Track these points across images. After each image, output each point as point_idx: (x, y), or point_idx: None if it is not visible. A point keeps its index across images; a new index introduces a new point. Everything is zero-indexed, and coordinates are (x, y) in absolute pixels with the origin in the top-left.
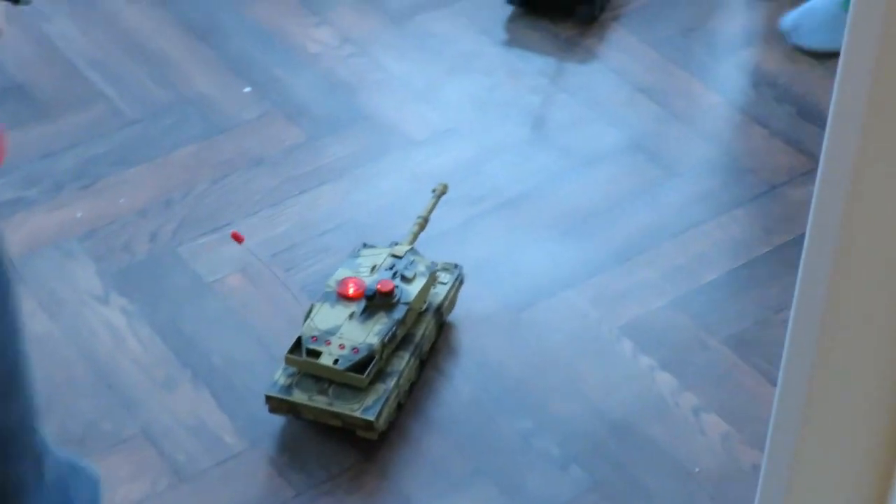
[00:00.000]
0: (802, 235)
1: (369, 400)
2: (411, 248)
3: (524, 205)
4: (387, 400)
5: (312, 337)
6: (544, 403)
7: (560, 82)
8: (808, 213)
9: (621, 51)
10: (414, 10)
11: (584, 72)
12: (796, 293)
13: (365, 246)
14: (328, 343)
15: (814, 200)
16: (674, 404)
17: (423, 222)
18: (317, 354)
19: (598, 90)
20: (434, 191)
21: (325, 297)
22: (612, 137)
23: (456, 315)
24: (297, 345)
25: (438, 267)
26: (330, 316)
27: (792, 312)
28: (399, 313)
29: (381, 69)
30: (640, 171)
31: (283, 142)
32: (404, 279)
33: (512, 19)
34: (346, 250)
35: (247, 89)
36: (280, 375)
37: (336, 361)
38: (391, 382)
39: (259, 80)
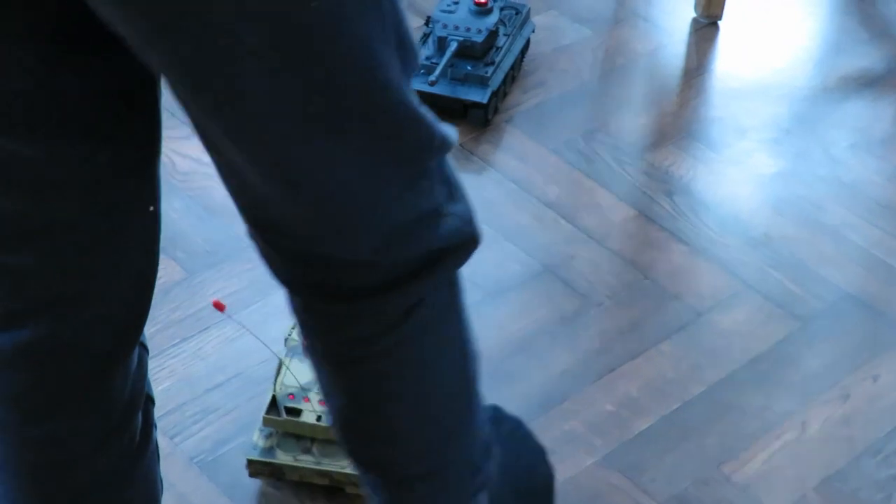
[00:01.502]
0: (736, 371)
1: None
2: None
3: None
4: None
5: (289, 395)
6: None
7: None
8: (738, 344)
9: (520, 158)
10: None
11: (482, 185)
12: None
13: None
14: (306, 399)
15: None
16: None
17: None
18: (297, 412)
19: (499, 207)
20: None
21: (293, 352)
22: (520, 262)
23: None
24: (273, 404)
25: None
26: (303, 370)
27: None
28: None
29: None
30: (555, 301)
31: (158, 279)
32: None
33: None
34: (244, 408)
35: None
36: (258, 438)
37: (319, 418)
38: None
39: None
